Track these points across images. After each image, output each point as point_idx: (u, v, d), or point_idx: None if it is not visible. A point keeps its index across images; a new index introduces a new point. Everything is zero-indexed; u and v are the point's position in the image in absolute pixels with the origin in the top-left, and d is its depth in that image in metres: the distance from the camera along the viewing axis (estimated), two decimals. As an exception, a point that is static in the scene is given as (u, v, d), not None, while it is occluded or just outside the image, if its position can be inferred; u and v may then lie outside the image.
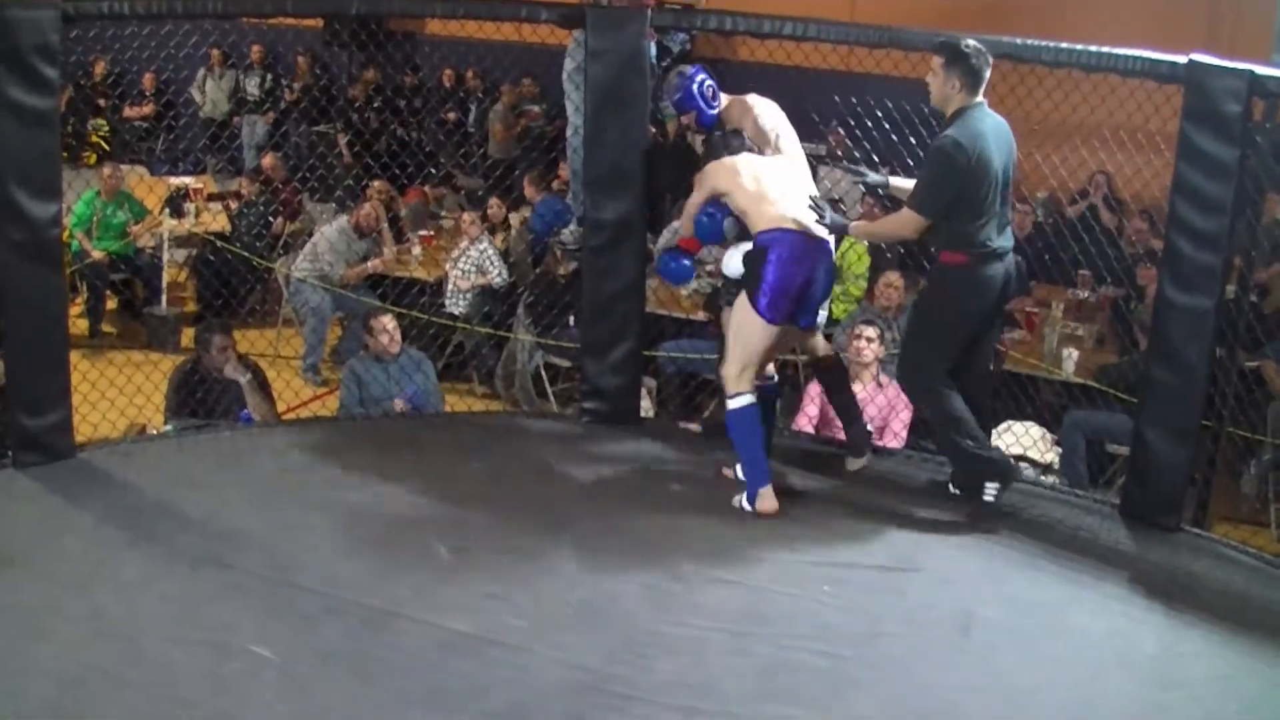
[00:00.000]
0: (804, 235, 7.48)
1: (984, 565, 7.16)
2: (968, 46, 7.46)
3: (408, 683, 5.77)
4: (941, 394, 7.75)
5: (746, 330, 7.51)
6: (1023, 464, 9.50)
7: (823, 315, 7.89)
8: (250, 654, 5.90)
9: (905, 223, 7.59)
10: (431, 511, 7.35)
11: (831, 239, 7.68)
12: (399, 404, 9.79)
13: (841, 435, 8.93)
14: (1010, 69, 8.41)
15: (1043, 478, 9.33)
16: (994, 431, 9.85)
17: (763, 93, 8.31)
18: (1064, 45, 7.86)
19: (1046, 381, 10.73)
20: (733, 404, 7.55)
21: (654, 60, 8.67)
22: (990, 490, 7.86)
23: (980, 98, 7.50)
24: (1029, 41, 7.96)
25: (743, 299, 7.53)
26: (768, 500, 7.48)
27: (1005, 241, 7.58)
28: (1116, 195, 14.28)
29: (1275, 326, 11.13)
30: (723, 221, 7.97)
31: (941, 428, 7.85)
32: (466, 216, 13.50)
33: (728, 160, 7.83)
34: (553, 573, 6.67)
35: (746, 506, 7.49)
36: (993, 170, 7.36)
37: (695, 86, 8.12)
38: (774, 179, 7.72)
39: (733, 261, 7.96)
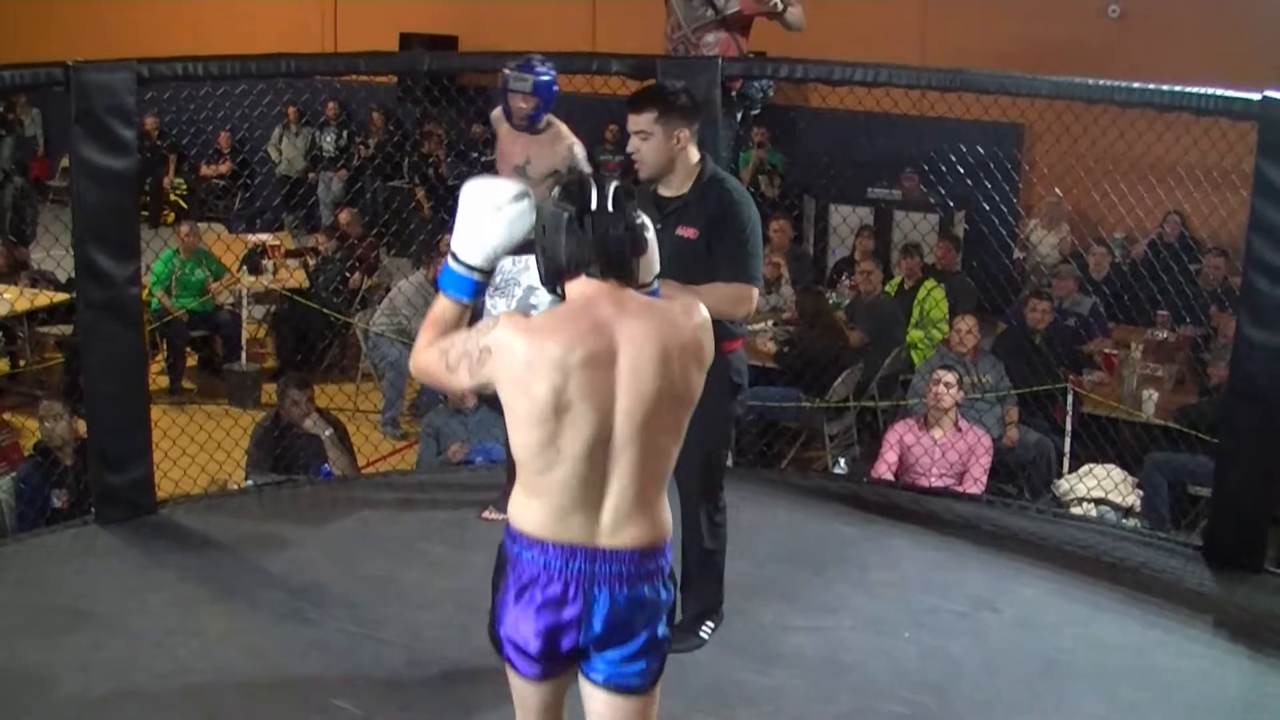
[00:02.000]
0: (560, 553, 4.18)
1: (1066, 608, 7.12)
2: (681, 88, 6.40)
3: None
4: (724, 510, 6.64)
5: (511, 683, 4.44)
6: (1104, 507, 9.45)
7: (639, 665, 4.31)
8: (333, 708, 5.94)
9: (742, 297, 6.10)
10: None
11: (662, 556, 4.30)
12: (456, 450, 9.81)
13: (924, 481, 8.96)
14: (1083, 109, 8.40)
15: (1124, 520, 9.27)
16: (1075, 475, 9.81)
17: (836, 138, 8.18)
18: (1135, 85, 7.83)
19: (1126, 423, 10.66)
20: None
21: (740, 109, 8.67)
22: (707, 630, 6.60)
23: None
24: (1100, 82, 7.92)
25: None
26: None
27: None
28: (1193, 234, 14.20)
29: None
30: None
31: (718, 548, 6.59)
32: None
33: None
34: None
35: None
36: None
37: (553, 79, 7.47)
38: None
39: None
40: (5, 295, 13.50)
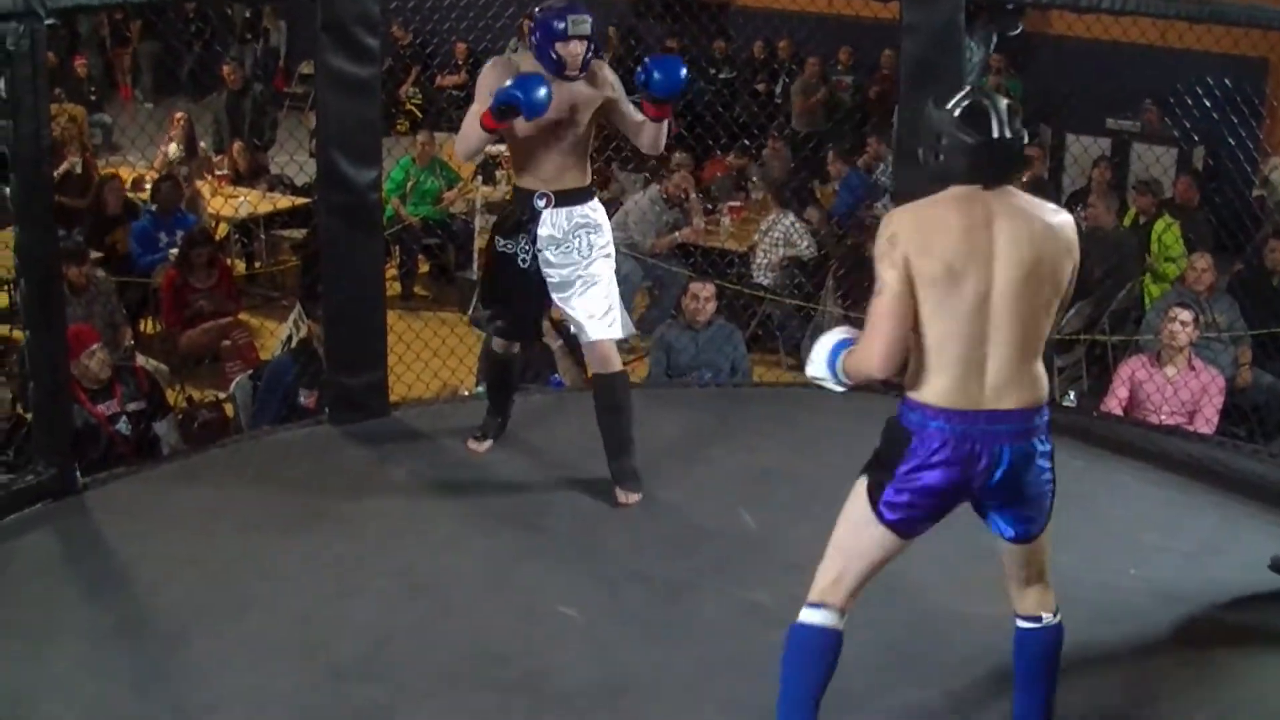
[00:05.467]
0: (972, 421, 4.62)
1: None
2: None
3: (708, 650, 5.83)
4: None
5: (855, 529, 4.88)
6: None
7: (1036, 515, 4.90)
8: (557, 615, 6.03)
9: None
10: (737, 480, 7.38)
11: (1042, 414, 4.75)
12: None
13: (1154, 418, 8.83)
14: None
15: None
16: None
17: (1077, 68, 8.02)
18: None
19: None
20: (804, 615, 4.97)
21: (993, 34, 8.55)
22: None
23: None
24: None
25: (859, 486, 4.90)
26: None
27: None
28: None
29: None
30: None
31: None
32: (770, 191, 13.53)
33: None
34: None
35: None
36: None
37: None
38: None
39: (818, 357, 5.10)
40: (246, 198, 13.75)
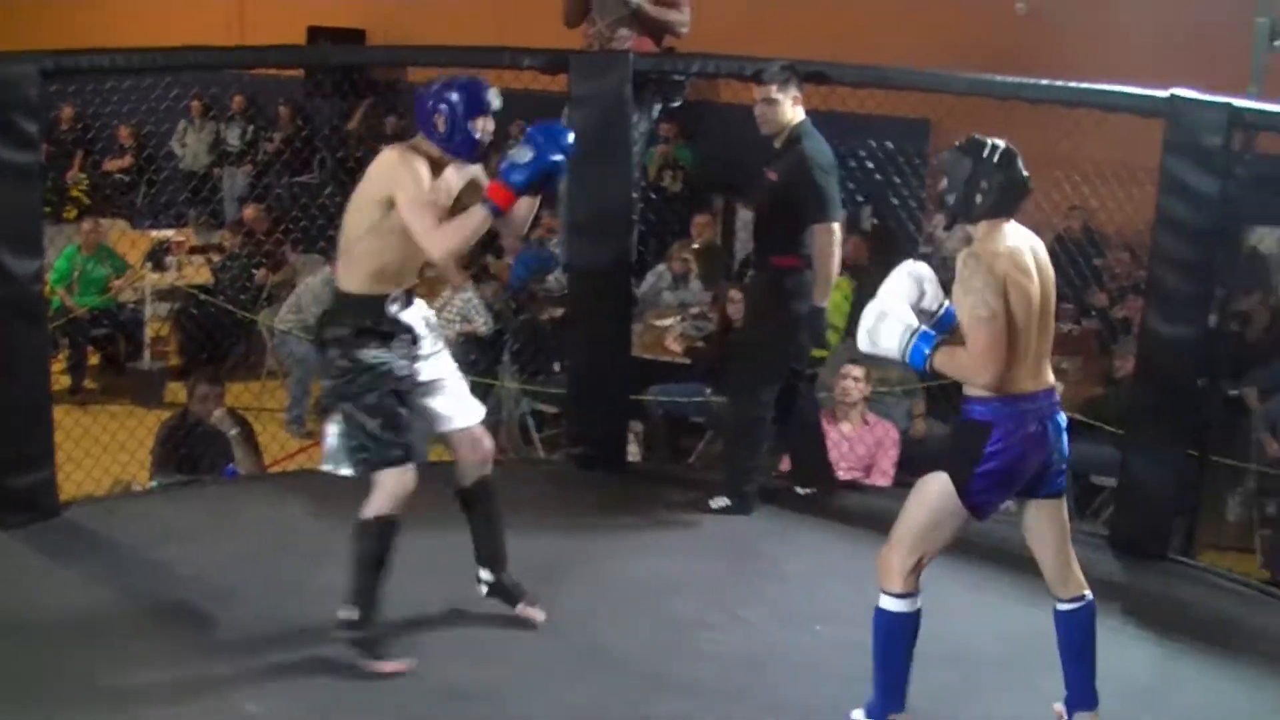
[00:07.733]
0: (1032, 401, 5.59)
1: (975, 598, 7.13)
2: (789, 66, 7.91)
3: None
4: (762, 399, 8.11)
5: (937, 519, 5.62)
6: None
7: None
8: (247, 714, 5.90)
9: (831, 236, 7.92)
10: (423, 560, 7.31)
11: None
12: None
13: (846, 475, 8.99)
14: (994, 105, 8.43)
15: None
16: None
17: (746, 135, 8.25)
18: (1044, 82, 7.94)
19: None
20: (889, 604, 5.72)
21: (658, 103, 8.71)
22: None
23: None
24: (1011, 79, 8.00)
25: (941, 479, 5.56)
26: None
27: None
28: (1098, 230, 14.26)
29: (1257, 355, 11.22)
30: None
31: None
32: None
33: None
34: (548, 620, 6.63)
35: None
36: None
37: None
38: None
39: (887, 340, 5.65)
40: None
